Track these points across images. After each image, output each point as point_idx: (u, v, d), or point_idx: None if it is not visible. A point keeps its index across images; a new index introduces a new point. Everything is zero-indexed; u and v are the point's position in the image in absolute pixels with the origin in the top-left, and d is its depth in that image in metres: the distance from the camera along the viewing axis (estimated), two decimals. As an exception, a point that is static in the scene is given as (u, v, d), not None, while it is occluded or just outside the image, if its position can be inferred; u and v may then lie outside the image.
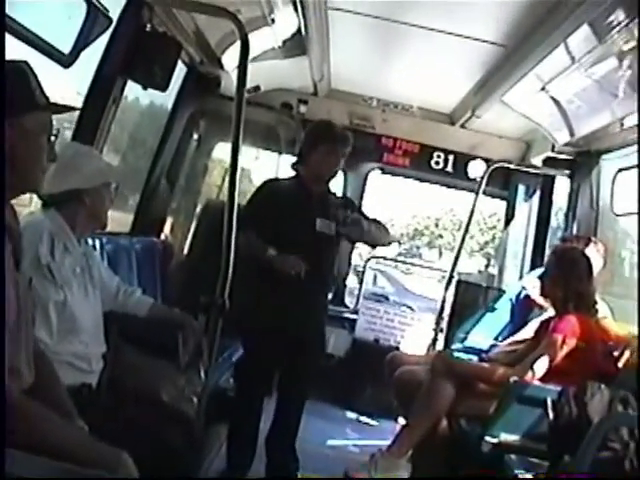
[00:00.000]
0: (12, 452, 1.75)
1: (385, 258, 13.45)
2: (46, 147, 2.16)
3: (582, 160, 6.00)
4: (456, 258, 6.50)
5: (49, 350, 2.68)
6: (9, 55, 2.13)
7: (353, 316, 7.18)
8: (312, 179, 4.55)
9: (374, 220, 4.61)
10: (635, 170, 4.92)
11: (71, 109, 2.31)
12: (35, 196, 3.24)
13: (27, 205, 3.55)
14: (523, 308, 5.61)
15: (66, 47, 3.53)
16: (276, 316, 4.40)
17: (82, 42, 3.58)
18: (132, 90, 4.91)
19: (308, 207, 4.50)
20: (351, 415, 6.74)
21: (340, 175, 5.66)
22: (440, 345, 6.15)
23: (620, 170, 5.22)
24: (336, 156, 4.49)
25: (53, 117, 2.20)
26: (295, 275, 4.29)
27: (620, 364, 4.17)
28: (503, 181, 7.18)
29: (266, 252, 4.32)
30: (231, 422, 4.60)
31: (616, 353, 4.26)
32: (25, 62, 2.10)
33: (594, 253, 4.94)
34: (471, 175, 6.96)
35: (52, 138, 2.18)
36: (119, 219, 5.61)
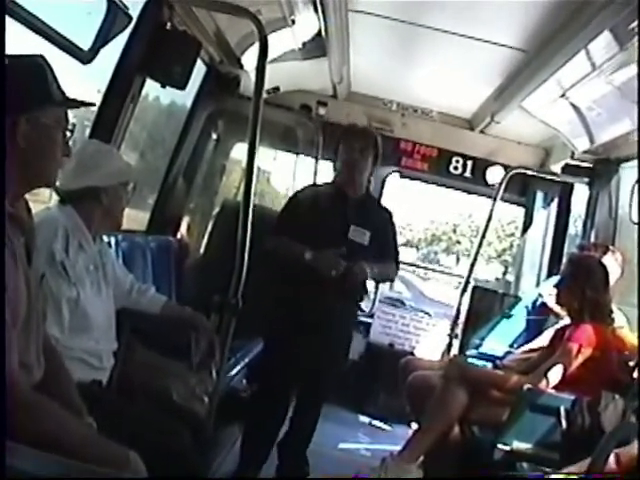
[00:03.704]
0: (20, 448, 1.74)
1: (403, 263, 13.43)
2: (61, 142, 2.15)
3: (601, 168, 5.97)
4: (472, 264, 6.49)
5: (60, 346, 2.68)
6: (30, 52, 2.14)
7: (368, 320, 7.14)
8: (344, 183, 4.50)
9: (389, 249, 4.61)
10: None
11: (87, 104, 2.31)
12: (55, 193, 3.25)
13: (46, 202, 3.55)
14: (539, 316, 5.59)
15: (86, 44, 3.54)
16: (301, 321, 4.36)
17: (102, 39, 3.59)
18: (152, 89, 4.93)
19: (342, 214, 4.44)
20: (363, 419, 6.72)
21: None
22: (455, 351, 6.13)
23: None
24: (354, 151, 4.42)
25: (74, 114, 2.20)
26: (335, 276, 4.24)
27: (636, 374, 4.13)
28: (521, 188, 7.17)
29: (303, 254, 4.26)
30: (249, 424, 4.58)
31: (632, 363, 4.22)
32: (41, 56, 2.10)
33: (612, 262, 4.90)
34: (489, 181, 6.94)
35: (67, 133, 2.18)
36: (137, 218, 5.62)
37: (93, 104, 2.37)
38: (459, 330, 6.29)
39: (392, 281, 5.02)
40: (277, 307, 4.51)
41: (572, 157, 6.15)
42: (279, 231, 4.43)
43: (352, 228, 4.39)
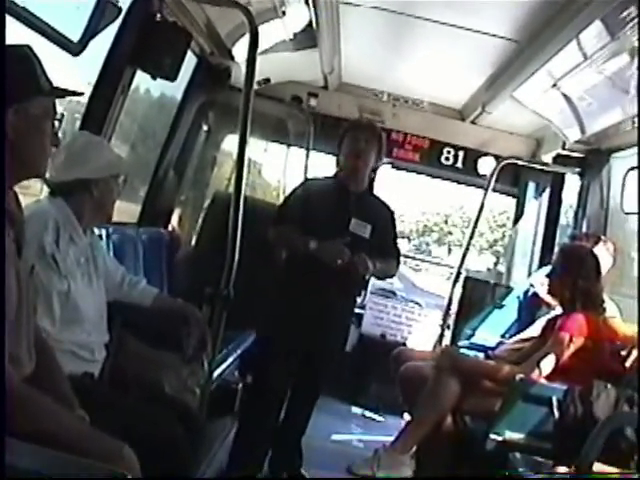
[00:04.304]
0: (17, 443, 1.73)
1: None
2: (50, 132, 2.16)
3: (593, 158, 5.98)
4: (464, 254, 6.49)
5: (52, 339, 2.67)
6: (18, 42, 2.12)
7: (360, 311, 7.13)
8: (347, 175, 4.46)
9: (391, 247, 4.59)
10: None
11: (75, 94, 2.30)
12: (45, 185, 3.24)
13: (37, 195, 3.54)
14: (531, 306, 5.60)
15: (75, 35, 3.52)
16: (301, 315, 4.35)
17: (91, 31, 3.56)
18: (143, 82, 4.92)
19: (344, 206, 4.40)
20: (356, 410, 6.73)
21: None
22: (447, 341, 6.14)
23: (631, 169, 5.18)
24: (359, 142, 4.39)
25: (64, 106, 2.19)
26: (341, 265, 4.20)
27: (627, 364, 4.15)
28: (513, 178, 7.17)
29: (307, 245, 4.24)
30: (243, 419, 4.54)
31: (623, 352, 4.24)
32: (28, 46, 2.09)
33: (603, 252, 4.91)
34: (481, 171, 6.93)
35: (56, 123, 2.17)
36: (128, 210, 5.61)
37: (81, 93, 2.36)
38: (451, 321, 6.30)
39: (392, 277, 5.00)
40: (275, 301, 4.50)
41: (563, 147, 6.15)
42: (279, 222, 4.43)
43: (353, 221, 4.37)
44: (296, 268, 4.40)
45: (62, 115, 2.21)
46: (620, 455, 3.15)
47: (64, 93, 2.23)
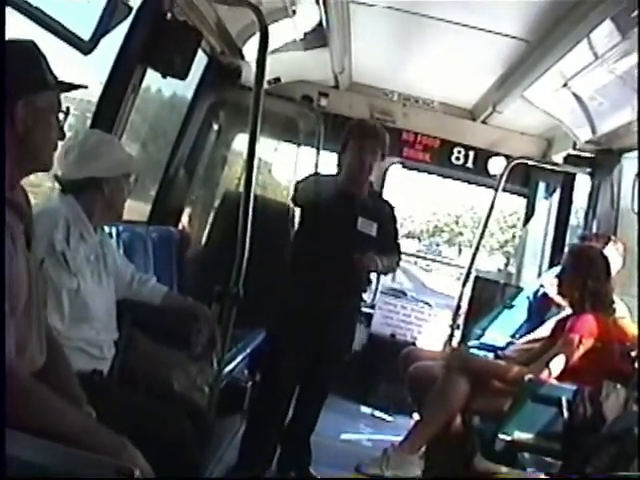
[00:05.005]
0: (23, 436, 1.73)
1: (405, 254, 13.40)
2: (56, 126, 2.18)
3: (603, 158, 5.95)
4: (474, 254, 6.47)
5: (61, 336, 2.68)
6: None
7: (370, 310, 7.14)
8: (350, 179, 4.43)
9: (391, 244, 4.59)
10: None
11: (80, 87, 2.31)
12: (57, 183, 3.24)
13: (48, 194, 3.55)
14: (540, 306, 5.58)
15: (86, 34, 3.53)
16: (308, 315, 4.35)
17: (102, 29, 3.57)
18: (154, 81, 4.93)
19: (350, 206, 4.40)
20: (365, 410, 6.72)
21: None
22: (456, 341, 6.13)
23: (640, 170, 5.17)
24: (364, 151, 4.34)
25: (75, 106, 2.21)
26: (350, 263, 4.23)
27: (637, 364, 4.13)
28: (523, 178, 7.16)
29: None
30: (252, 418, 4.56)
31: (633, 353, 4.22)
32: (32, 41, 2.11)
33: (613, 252, 4.90)
34: (491, 171, 6.93)
35: (61, 116, 2.19)
36: (138, 209, 5.62)
37: (86, 86, 2.37)
38: (461, 321, 6.29)
39: (394, 271, 5.03)
40: (285, 300, 4.51)
41: (574, 147, 6.13)
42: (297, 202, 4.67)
43: (360, 220, 4.37)
44: (303, 267, 4.40)
45: (67, 108, 2.22)
46: (628, 455, 3.13)
47: (69, 87, 2.24)
